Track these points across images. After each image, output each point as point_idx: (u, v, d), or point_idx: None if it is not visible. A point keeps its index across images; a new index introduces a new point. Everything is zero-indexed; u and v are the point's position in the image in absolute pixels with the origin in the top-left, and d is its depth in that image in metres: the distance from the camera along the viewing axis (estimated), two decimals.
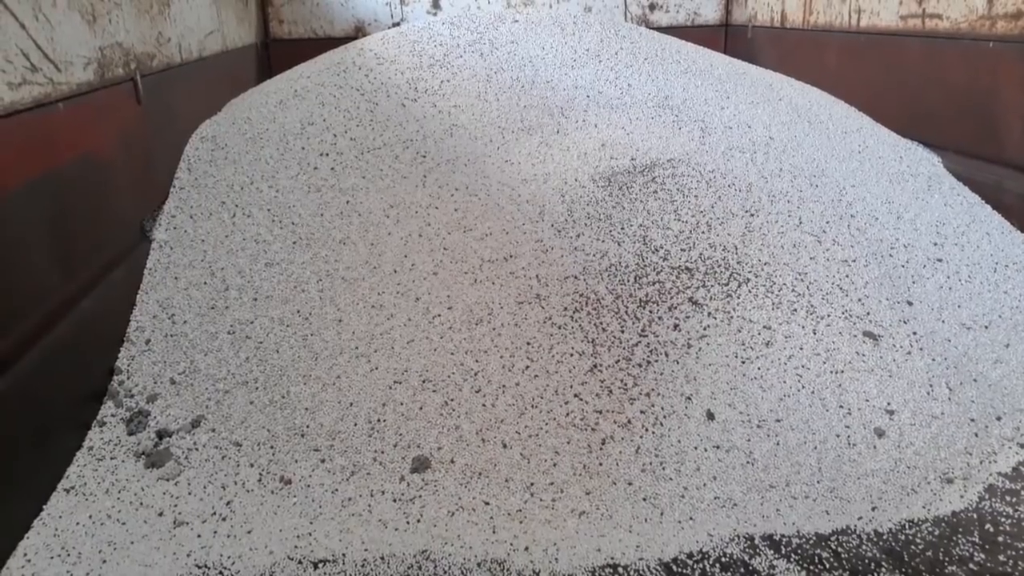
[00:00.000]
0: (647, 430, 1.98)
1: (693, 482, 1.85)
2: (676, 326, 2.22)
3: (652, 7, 5.79)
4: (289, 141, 3.02)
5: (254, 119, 3.18)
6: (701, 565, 1.63)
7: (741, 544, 1.68)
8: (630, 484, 1.84)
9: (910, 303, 2.45)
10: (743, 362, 2.14)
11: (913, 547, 1.67)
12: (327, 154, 2.95)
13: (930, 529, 1.72)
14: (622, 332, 2.21)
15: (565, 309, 2.28)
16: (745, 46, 5.52)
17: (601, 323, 2.23)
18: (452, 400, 2.06)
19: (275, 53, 5.38)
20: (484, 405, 2.05)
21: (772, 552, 1.66)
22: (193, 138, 3.10)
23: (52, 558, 1.63)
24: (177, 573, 1.61)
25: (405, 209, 2.69)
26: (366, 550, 1.67)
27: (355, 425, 2.01)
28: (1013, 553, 1.65)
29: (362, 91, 3.34)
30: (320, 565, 1.63)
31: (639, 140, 3.00)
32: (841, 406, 2.05)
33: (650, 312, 2.26)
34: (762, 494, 1.82)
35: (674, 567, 1.63)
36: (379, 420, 2.02)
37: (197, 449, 1.96)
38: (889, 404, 2.07)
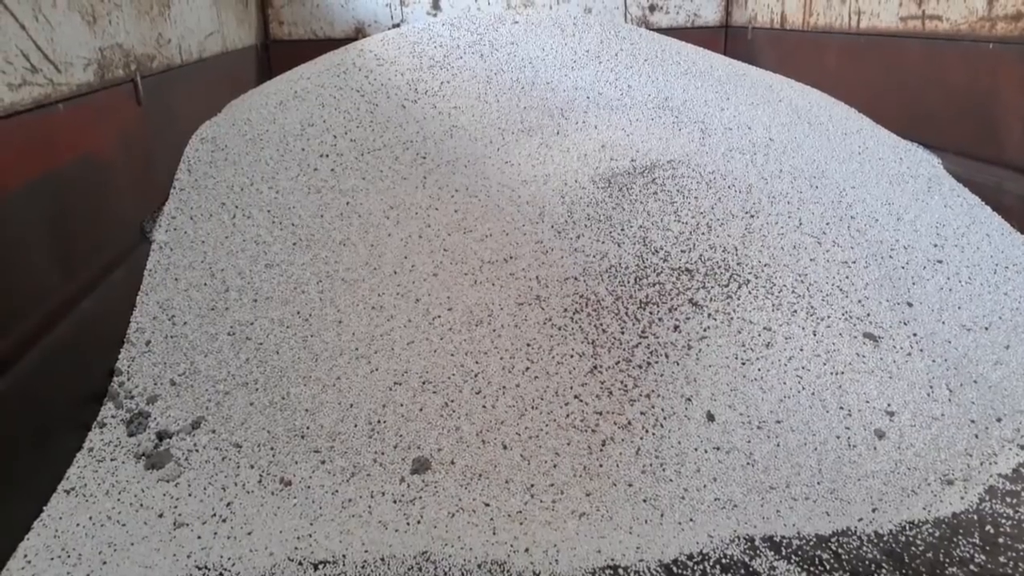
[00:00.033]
0: (647, 431, 1.98)
1: (693, 483, 1.85)
2: (676, 327, 2.22)
3: (652, 8, 5.79)
4: (289, 142, 3.03)
5: (254, 120, 3.19)
6: (701, 566, 1.63)
7: (741, 545, 1.68)
8: (630, 485, 1.84)
9: (910, 304, 2.45)
10: (743, 363, 2.14)
11: (913, 548, 1.67)
12: (327, 155, 2.95)
13: (930, 530, 1.72)
14: (622, 333, 2.21)
15: (565, 310, 2.28)
16: (745, 47, 5.53)
17: (601, 324, 2.23)
18: (452, 401, 2.06)
19: (275, 54, 5.38)
20: (484, 406, 2.04)
21: (772, 553, 1.66)
22: (193, 139, 3.11)
23: (52, 559, 1.63)
24: (177, 574, 1.61)
25: (405, 210, 2.69)
26: (366, 551, 1.66)
27: (355, 426, 2.01)
28: (1013, 555, 1.64)
29: (362, 92, 3.34)
30: (320, 566, 1.63)
31: (639, 141, 3.00)
32: (841, 407, 2.05)
33: (650, 313, 2.26)
34: (762, 495, 1.82)
35: (674, 568, 1.62)
36: (379, 421, 2.02)
37: (197, 450, 1.96)
38: (889, 405, 2.07)
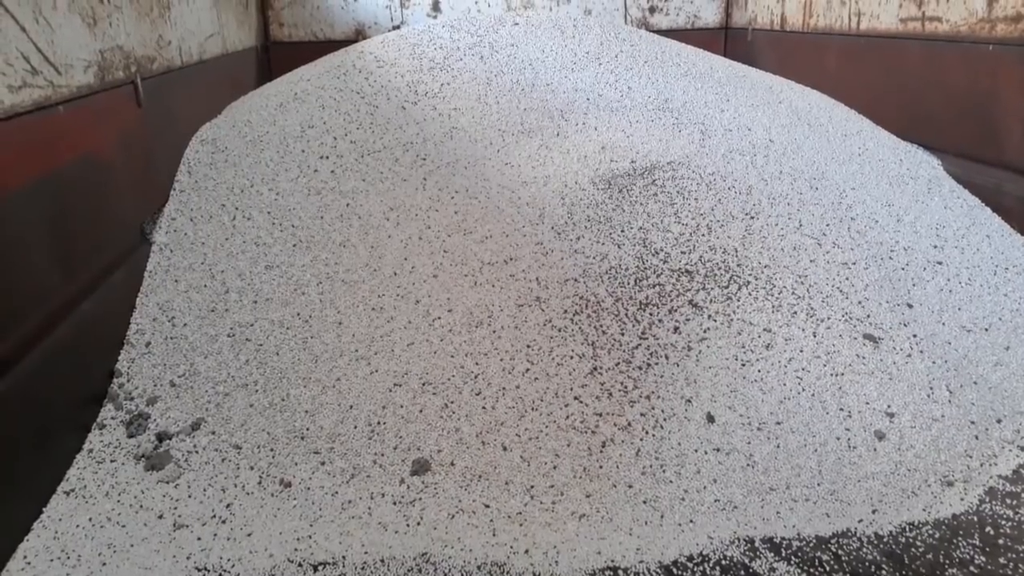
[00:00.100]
0: (647, 433, 1.98)
1: (693, 485, 1.85)
2: (676, 329, 2.22)
3: (652, 10, 5.80)
4: (289, 144, 3.03)
5: (254, 122, 3.19)
6: (701, 568, 1.63)
7: (741, 547, 1.68)
8: (630, 487, 1.84)
9: (910, 306, 2.45)
10: (743, 365, 2.14)
11: (913, 550, 1.67)
12: (327, 157, 2.96)
13: (930, 532, 1.72)
14: (622, 335, 2.21)
15: (565, 312, 2.28)
16: (745, 49, 5.53)
17: (601, 326, 2.23)
18: (452, 403, 2.06)
19: (275, 56, 5.38)
20: (484, 408, 2.04)
21: (772, 555, 1.66)
22: (193, 141, 3.11)
23: (52, 560, 1.63)
24: None
25: (405, 212, 2.69)
26: (366, 553, 1.66)
27: (355, 428, 2.01)
28: (1013, 556, 1.64)
29: (362, 94, 3.34)
30: (320, 568, 1.63)
31: (639, 143, 3.01)
32: (841, 409, 2.05)
33: (650, 315, 2.26)
34: (762, 497, 1.82)
35: (674, 570, 1.62)
36: (379, 423, 2.02)
37: (197, 452, 1.96)
38: (889, 407, 2.07)
